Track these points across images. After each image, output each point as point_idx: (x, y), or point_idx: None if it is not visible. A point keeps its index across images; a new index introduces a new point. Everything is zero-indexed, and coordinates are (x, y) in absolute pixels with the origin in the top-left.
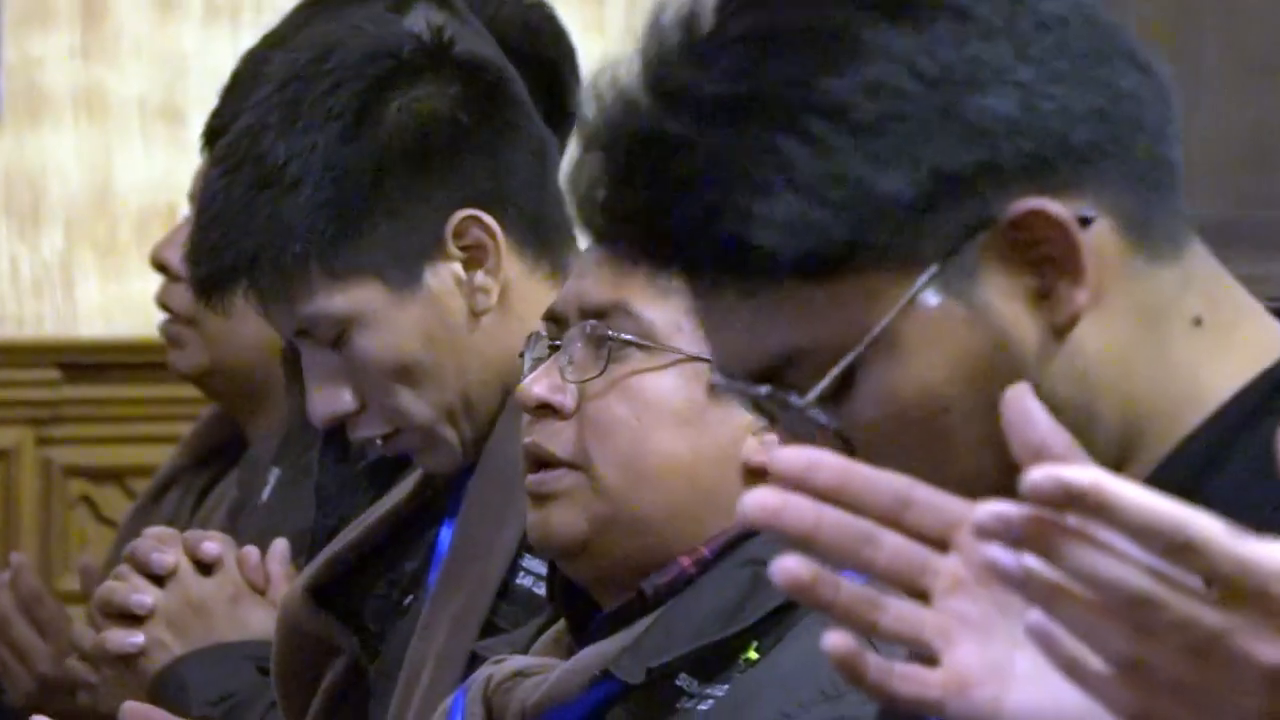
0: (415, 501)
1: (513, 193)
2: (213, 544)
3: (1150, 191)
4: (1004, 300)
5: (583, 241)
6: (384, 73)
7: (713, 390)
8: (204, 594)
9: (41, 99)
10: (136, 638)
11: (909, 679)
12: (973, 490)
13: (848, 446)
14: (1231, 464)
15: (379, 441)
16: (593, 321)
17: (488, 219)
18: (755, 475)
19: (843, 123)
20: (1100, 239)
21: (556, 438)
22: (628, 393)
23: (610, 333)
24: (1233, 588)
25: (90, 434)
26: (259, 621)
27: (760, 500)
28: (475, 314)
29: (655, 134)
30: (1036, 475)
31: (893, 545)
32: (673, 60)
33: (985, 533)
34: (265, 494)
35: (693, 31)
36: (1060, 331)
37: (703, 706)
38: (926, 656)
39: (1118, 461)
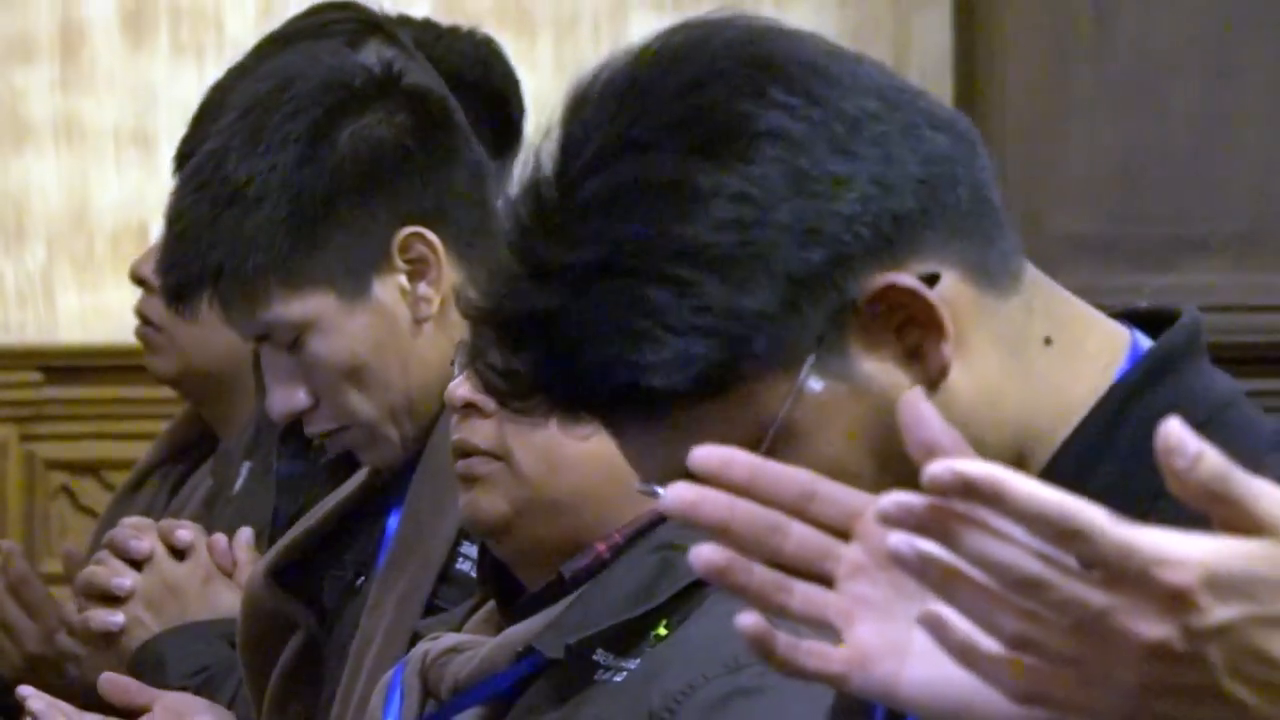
0: (366, 492)
1: (453, 211)
2: (185, 531)
3: (980, 235)
4: (880, 369)
5: None
6: (338, 102)
7: None
8: (178, 577)
9: (24, 126)
10: (117, 617)
11: (814, 655)
12: None
13: None
14: (1104, 464)
15: (326, 436)
16: None
17: (430, 235)
18: None
19: (699, 262)
20: (949, 291)
21: (479, 432)
22: None
23: None
24: (1115, 570)
25: (70, 431)
26: (228, 601)
27: (679, 494)
28: (418, 322)
29: (535, 310)
30: (936, 468)
31: (799, 534)
32: (533, 234)
33: (888, 520)
34: (238, 485)
35: (542, 203)
36: (935, 383)
37: (617, 679)
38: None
39: None
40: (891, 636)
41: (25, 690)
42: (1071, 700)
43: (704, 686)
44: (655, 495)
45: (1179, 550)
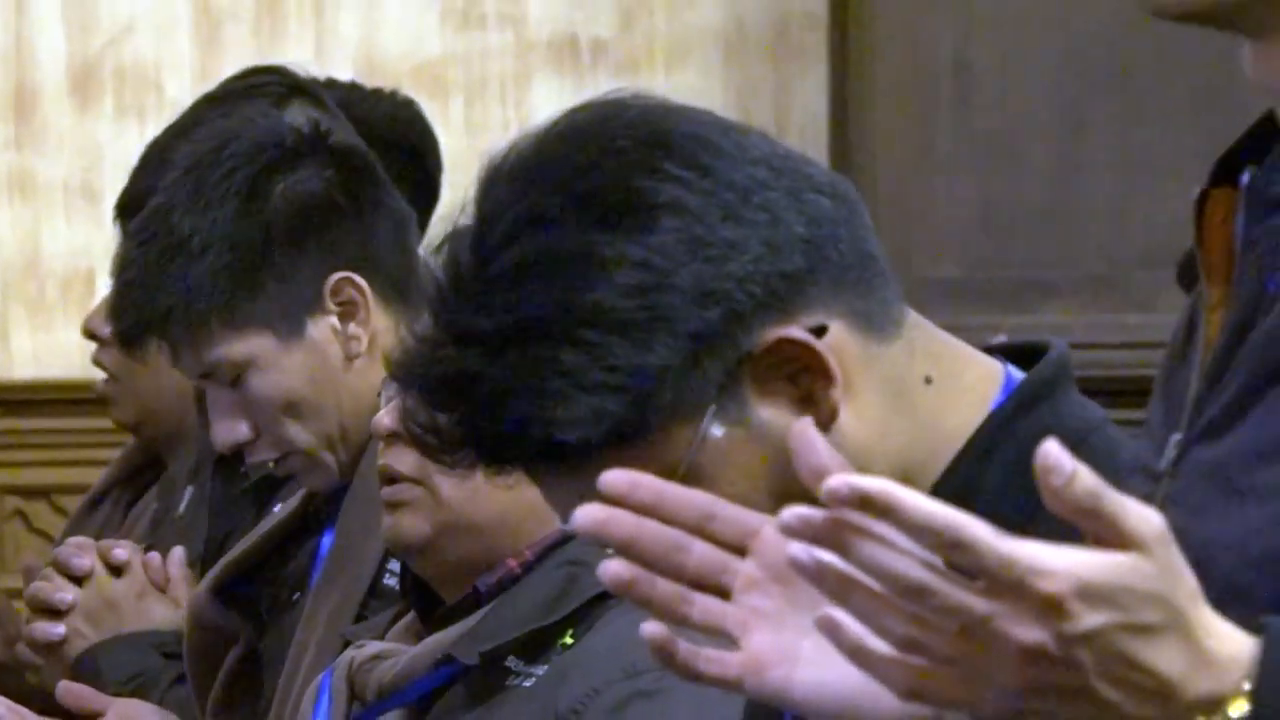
0: (301, 514)
1: (379, 258)
2: (122, 550)
3: (863, 287)
4: (776, 414)
5: None
6: (271, 160)
7: None
8: (115, 592)
9: None
10: (58, 628)
11: (712, 661)
12: None
13: None
14: (983, 485)
15: (272, 464)
16: None
17: (359, 279)
18: None
19: (605, 324)
20: (836, 340)
21: (404, 460)
22: None
23: None
24: (995, 580)
25: (23, 459)
26: (160, 614)
27: (590, 514)
28: (349, 359)
29: (457, 374)
30: (834, 482)
31: (700, 551)
32: (453, 304)
33: (789, 531)
34: (181, 508)
35: (460, 273)
36: (826, 425)
37: (527, 684)
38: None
39: None
40: (783, 644)
41: None
42: (954, 697)
43: (606, 690)
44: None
45: (1053, 562)
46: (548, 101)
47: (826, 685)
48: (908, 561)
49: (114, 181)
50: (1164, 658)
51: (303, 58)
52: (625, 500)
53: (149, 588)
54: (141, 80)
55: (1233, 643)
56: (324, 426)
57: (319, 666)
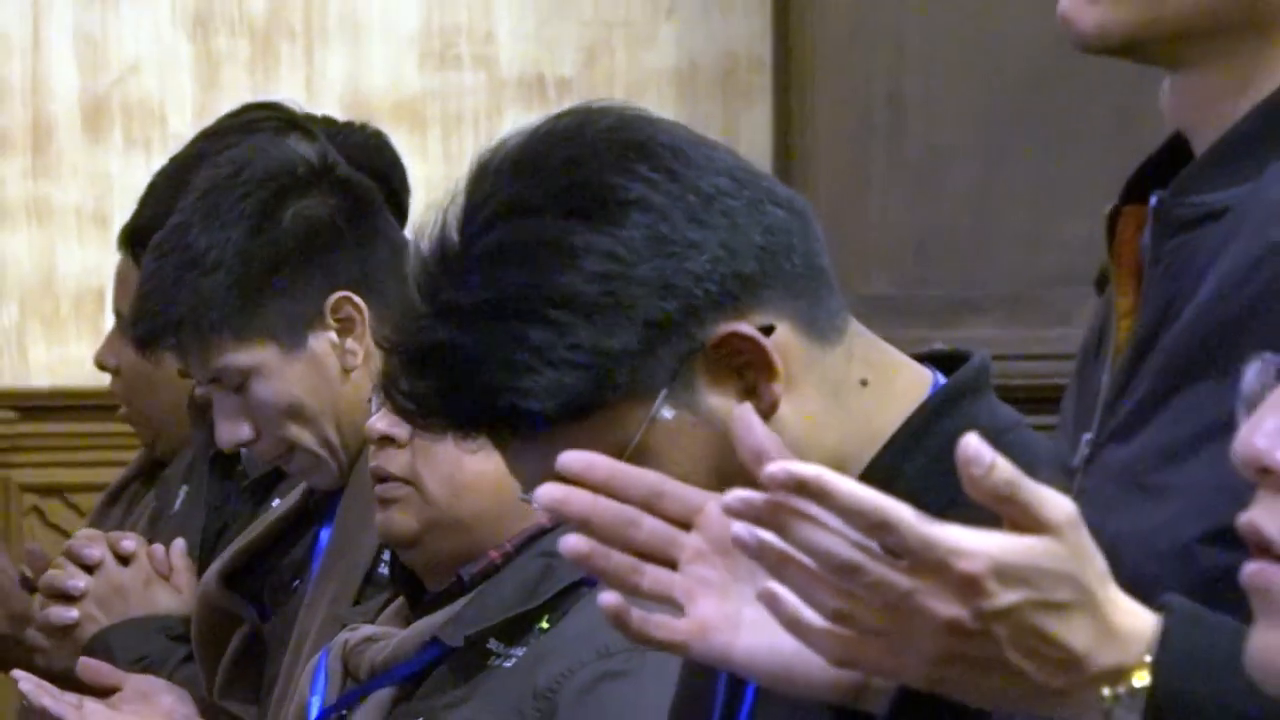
0: (300, 509)
1: (376, 279)
2: (129, 541)
3: (810, 294)
4: (721, 402)
5: None
6: (282, 186)
7: None
8: (123, 580)
9: (1, 207)
10: (72, 613)
11: (661, 627)
12: None
13: None
14: (907, 473)
15: (280, 462)
16: None
17: (357, 299)
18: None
19: (573, 307)
20: (783, 340)
21: (394, 461)
22: None
23: None
24: (918, 559)
25: (39, 460)
26: (165, 600)
27: (549, 492)
28: (346, 371)
29: (434, 341)
30: (773, 468)
31: (650, 526)
32: (436, 279)
33: (733, 513)
34: (176, 505)
35: (446, 253)
36: (767, 415)
37: (507, 664)
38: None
39: None
40: (727, 611)
41: (18, 674)
42: (880, 665)
43: (580, 670)
44: (533, 502)
45: (972, 544)
46: None
47: (765, 650)
48: (839, 541)
49: (122, 207)
50: (1073, 632)
51: (294, 95)
52: (581, 479)
53: (154, 576)
54: (147, 116)
55: (1137, 619)
56: (321, 431)
57: (318, 649)
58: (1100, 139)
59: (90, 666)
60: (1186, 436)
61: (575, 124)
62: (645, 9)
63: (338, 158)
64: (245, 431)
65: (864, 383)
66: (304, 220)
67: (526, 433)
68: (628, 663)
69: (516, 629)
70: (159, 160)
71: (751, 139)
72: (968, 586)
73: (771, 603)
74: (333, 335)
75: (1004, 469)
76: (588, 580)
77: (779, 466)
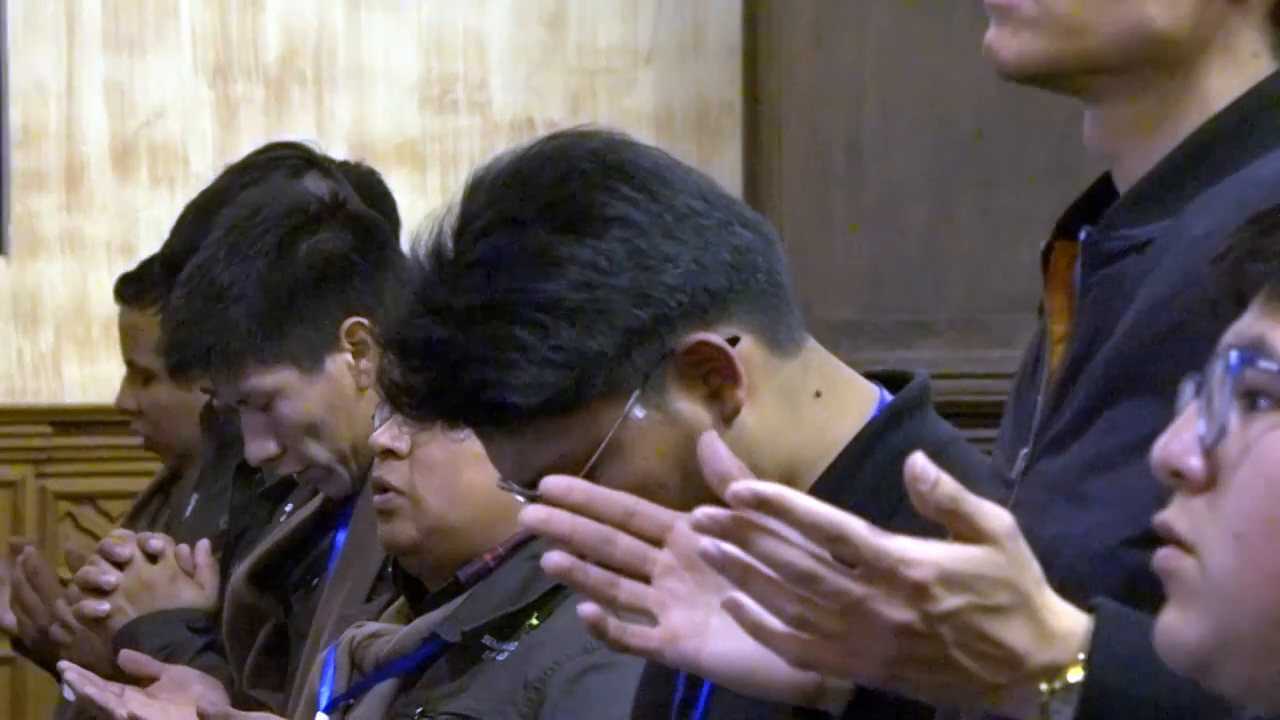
0: (319, 514)
1: (386, 307)
2: (157, 540)
3: (773, 310)
4: (688, 405)
5: None
6: (298, 223)
7: None
8: (151, 575)
9: (39, 240)
10: (104, 605)
11: (636, 635)
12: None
13: None
14: (855, 486)
15: (296, 474)
16: None
17: (369, 324)
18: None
19: (556, 312)
20: (746, 350)
21: (394, 472)
22: (444, 441)
23: None
24: (870, 568)
25: (72, 470)
26: (189, 595)
27: (534, 513)
28: (360, 390)
29: (428, 338)
30: (738, 486)
31: (624, 543)
32: (433, 282)
33: (700, 528)
34: (187, 511)
35: (441, 259)
36: (729, 419)
37: (500, 658)
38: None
39: None
40: (695, 620)
41: (64, 664)
42: (837, 666)
43: (567, 663)
44: (512, 490)
45: (919, 553)
46: None
47: (731, 655)
48: (798, 553)
49: (147, 240)
50: (1012, 633)
51: (305, 137)
52: (562, 501)
53: (179, 572)
54: (171, 156)
55: (1070, 620)
56: (338, 445)
57: (332, 643)
58: (1041, 175)
59: (131, 658)
60: (1115, 448)
61: (563, 146)
62: (625, 58)
63: (350, 194)
64: (271, 447)
65: (818, 394)
66: (318, 253)
67: (509, 425)
68: (611, 656)
69: (509, 625)
70: (182, 197)
71: (722, 178)
72: (916, 593)
73: (736, 611)
74: (348, 357)
75: (947, 485)
76: None
77: (743, 485)
